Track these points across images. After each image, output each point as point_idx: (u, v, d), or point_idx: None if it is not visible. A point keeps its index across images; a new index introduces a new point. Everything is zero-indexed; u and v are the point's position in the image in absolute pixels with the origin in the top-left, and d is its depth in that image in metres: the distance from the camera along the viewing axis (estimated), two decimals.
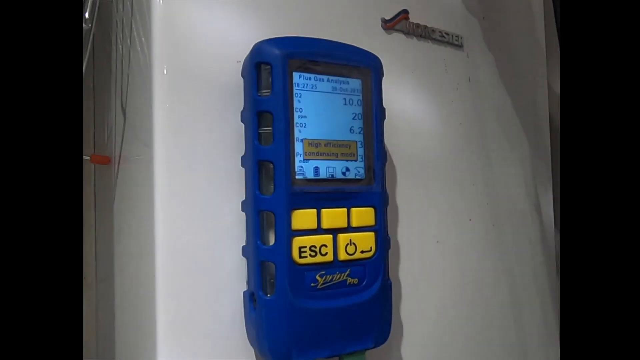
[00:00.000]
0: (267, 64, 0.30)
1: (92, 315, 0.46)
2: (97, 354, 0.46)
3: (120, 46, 0.38)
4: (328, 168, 0.31)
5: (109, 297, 0.41)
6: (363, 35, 0.39)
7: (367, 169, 0.33)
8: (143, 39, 0.33)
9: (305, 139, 0.30)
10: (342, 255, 0.31)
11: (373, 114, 0.33)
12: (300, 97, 0.30)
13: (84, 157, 0.38)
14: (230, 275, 0.32)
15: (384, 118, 0.34)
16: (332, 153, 0.31)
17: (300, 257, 0.30)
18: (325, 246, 0.31)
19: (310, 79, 0.31)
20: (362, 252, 0.32)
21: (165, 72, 0.31)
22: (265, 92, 0.30)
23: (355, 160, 0.32)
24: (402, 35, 0.42)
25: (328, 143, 0.31)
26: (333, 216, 0.31)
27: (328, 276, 0.31)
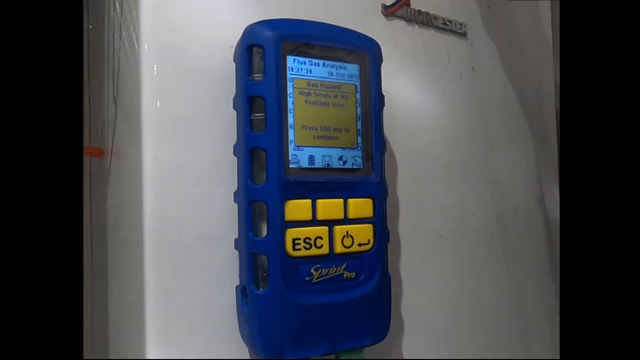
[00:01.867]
0: (260, 46, 0.29)
1: (88, 312, 0.45)
2: (92, 351, 0.45)
3: (111, 34, 0.37)
4: (324, 157, 0.30)
5: (103, 293, 0.41)
6: (362, 21, 0.37)
7: (365, 158, 0.31)
8: (132, 27, 0.32)
9: (299, 125, 0.29)
10: (339, 248, 0.30)
11: (371, 101, 0.32)
12: (294, 82, 0.29)
13: None
14: (222, 269, 0.31)
15: (383, 105, 0.33)
16: (329, 138, 0.30)
17: (294, 249, 0.29)
18: (321, 238, 0.29)
19: (305, 63, 0.29)
20: (359, 244, 0.31)
21: (154, 62, 0.30)
22: (257, 77, 0.29)
23: (353, 149, 0.31)
24: (403, 22, 0.40)
25: (324, 128, 0.30)
26: (329, 207, 0.30)
27: (323, 270, 0.29)
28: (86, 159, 0.46)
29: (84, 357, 0.44)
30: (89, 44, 0.44)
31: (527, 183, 0.49)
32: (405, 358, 0.38)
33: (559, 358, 0.50)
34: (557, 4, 0.51)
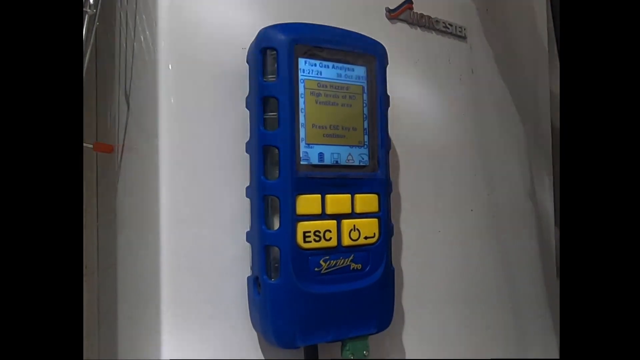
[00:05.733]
0: (273, 49, 0.30)
1: (94, 304, 0.46)
2: (98, 342, 0.46)
3: (124, 33, 0.38)
4: (332, 154, 0.31)
5: (111, 286, 0.42)
6: (367, 24, 0.39)
7: (372, 155, 0.33)
8: (147, 27, 0.33)
9: (310, 124, 0.31)
10: (346, 241, 0.31)
11: (377, 101, 0.33)
12: (305, 83, 0.31)
13: (88, 145, 0.38)
14: (234, 261, 0.32)
15: (388, 106, 0.34)
16: (337, 136, 0.32)
17: (305, 241, 0.30)
18: (330, 231, 0.31)
19: (315, 65, 0.31)
20: (365, 238, 0.32)
21: (170, 61, 0.31)
22: (270, 78, 0.30)
23: (360, 147, 0.32)
24: (406, 25, 0.42)
25: (333, 127, 0.31)
26: (337, 202, 0.31)
27: (332, 261, 0.31)
28: (94, 155, 0.47)
29: (92, 349, 0.45)
30: (97, 42, 0.45)
31: (523, 181, 0.51)
32: (405, 347, 0.40)
33: (551, 350, 0.52)
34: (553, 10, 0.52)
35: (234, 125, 0.32)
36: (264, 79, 0.30)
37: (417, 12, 0.42)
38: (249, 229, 0.32)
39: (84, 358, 0.40)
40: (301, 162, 0.30)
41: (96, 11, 0.34)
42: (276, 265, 0.30)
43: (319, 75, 0.31)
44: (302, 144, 0.30)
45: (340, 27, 0.33)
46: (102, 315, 0.46)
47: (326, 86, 0.31)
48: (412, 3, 0.41)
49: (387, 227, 0.33)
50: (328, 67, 0.31)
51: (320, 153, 0.31)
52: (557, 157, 0.55)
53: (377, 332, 0.33)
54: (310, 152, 0.31)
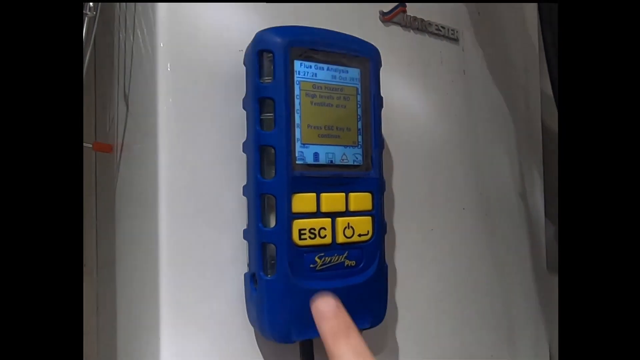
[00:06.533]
0: (269, 51, 0.31)
1: (93, 302, 0.47)
2: (97, 338, 0.47)
3: (123, 34, 0.38)
4: (327, 154, 0.32)
5: (109, 283, 0.42)
6: (361, 27, 0.39)
7: (365, 155, 0.34)
8: (146, 29, 0.34)
9: (305, 124, 0.31)
10: (340, 238, 0.32)
11: (371, 102, 0.34)
12: (300, 84, 0.31)
13: (87, 144, 0.39)
14: (231, 258, 0.33)
15: (382, 107, 0.35)
16: (332, 136, 0.32)
17: (300, 239, 0.31)
18: (324, 229, 0.32)
19: (310, 67, 0.32)
20: (359, 235, 0.33)
21: (168, 63, 0.32)
22: (267, 79, 0.31)
23: (354, 147, 0.33)
24: (399, 28, 0.42)
25: (328, 127, 0.32)
26: (332, 200, 0.32)
27: (327, 258, 0.32)
28: (93, 155, 0.47)
29: (91, 346, 0.46)
30: (96, 43, 0.46)
31: (514, 180, 0.52)
32: (398, 342, 0.41)
33: (542, 346, 0.53)
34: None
35: (231, 125, 0.33)
36: (260, 81, 0.31)
37: (410, 15, 0.43)
38: (246, 227, 0.33)
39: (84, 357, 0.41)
40: (297, 162, 0.31)
41: (96, 13, 0.35)
42: (272, 262, 0.31)
43: (314, 77, 0.32)
44: (297, 144, 0.31)
45: (335, 30, 0.34)
46: (101, 313, 0.46)
47: (321, 87, 0.32)
48: (405, 6, 0.42)
49: (380, 225, 0.34)
50: (323, 69, 0.32)
51: (315, 153, 0.32)
52: (548, 156, 0.56)
53: (370, 327, 0.34)
54: (305, 152, 0.31)
